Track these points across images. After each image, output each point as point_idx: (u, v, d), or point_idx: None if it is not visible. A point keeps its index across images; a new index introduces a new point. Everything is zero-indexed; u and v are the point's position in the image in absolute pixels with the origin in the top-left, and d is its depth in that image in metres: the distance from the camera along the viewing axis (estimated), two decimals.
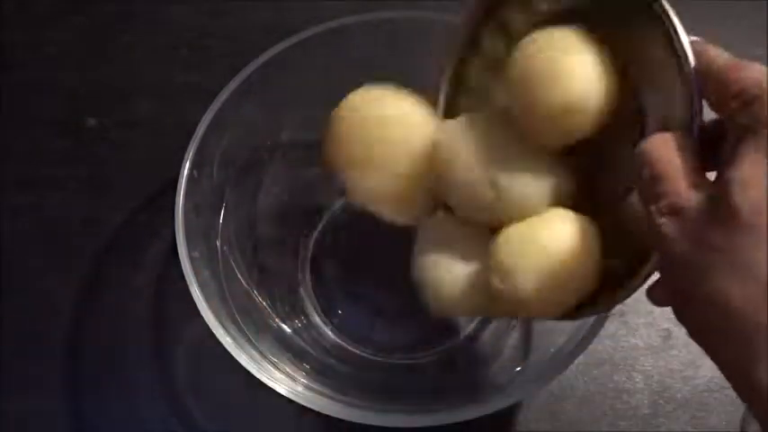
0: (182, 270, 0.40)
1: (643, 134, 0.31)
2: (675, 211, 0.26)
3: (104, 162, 0.54)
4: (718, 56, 0.28)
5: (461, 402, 0.42)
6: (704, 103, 0.28)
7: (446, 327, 0.49)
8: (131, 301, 0.50)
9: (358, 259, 0.51)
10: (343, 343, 0.48)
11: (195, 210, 0.43)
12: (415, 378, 0.47)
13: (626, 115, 0.32)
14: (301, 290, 0.50)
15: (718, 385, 0.48)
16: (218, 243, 0.45)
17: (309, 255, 0.51)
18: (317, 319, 0.49)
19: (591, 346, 0.40)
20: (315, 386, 0.42)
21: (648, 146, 0.28)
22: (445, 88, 0.39)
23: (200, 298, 0.39)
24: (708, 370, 0.48)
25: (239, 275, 0.45)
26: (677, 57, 0.29)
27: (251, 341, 0.42)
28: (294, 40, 0.46)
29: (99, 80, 0.58)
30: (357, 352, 0.47)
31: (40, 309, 0.49)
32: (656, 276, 0.31)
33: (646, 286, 0.32)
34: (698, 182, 0.26)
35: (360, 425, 0.38)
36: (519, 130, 0.34)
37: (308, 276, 0.51)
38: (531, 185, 0.34)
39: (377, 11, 0.47)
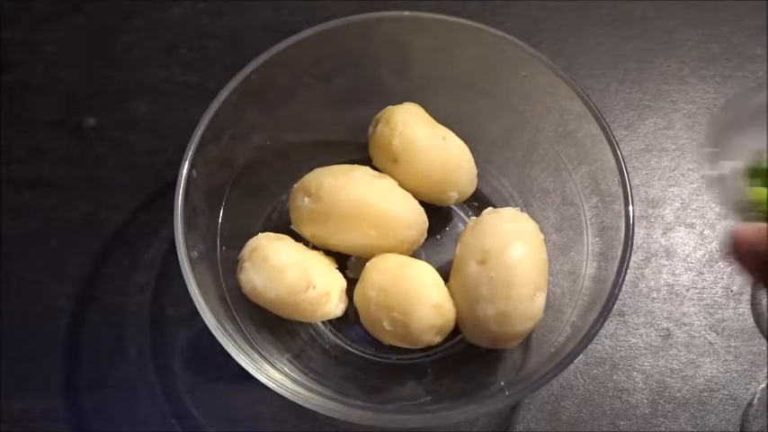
0: (181, 270, 0.40)
1: None
2: None
3: (104, 162, 0.55)
4: None
5: (461, 402, 0.42)
6: None
7: None
8: (131, 301, 0.50)
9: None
10: (342, 343, 0.48)
11: (194, 210, 0.43)
12: (415, 378, 0.47)
13: None
14: None
15: (719, 385, 0.48)
16: (217, 243, 0.45)
17: None
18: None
19: (591, 346, 0.41)
20: (314, 386, 0.42)
21: None
22: None
23: (200, 298, 0.39)
24: (708, 370, 0.48)
25: (238, 276, 0.45)
26: None
27: (250, 341, 0.42)
28: (294, 40, 0.46)
29: (99, 80, 0.58)
30: (357, 352, 0.47)
31: (40, 309, 0.49)
32: None
33: None
34: None
35: (360, 425, 0.38)
36: None
37: None
38: None
39: (377, 11, 0.47)
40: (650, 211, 0.54)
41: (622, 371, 0.48)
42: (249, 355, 0.40)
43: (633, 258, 0.48)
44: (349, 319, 0.47)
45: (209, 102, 0.44)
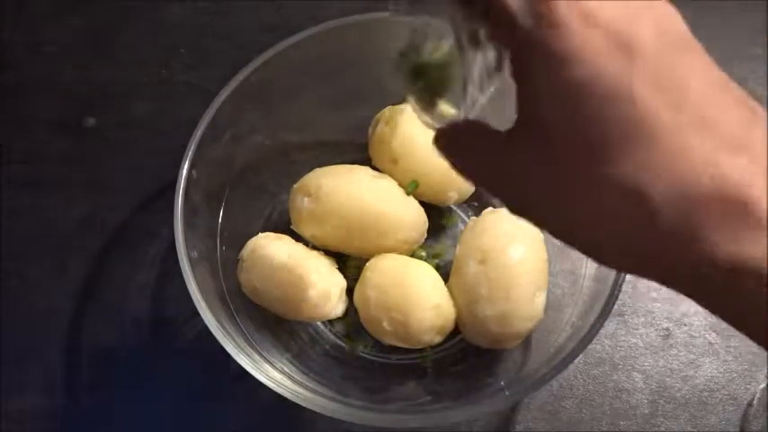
0: (181, 270, 0.40)
1: None
2: None
3: (104, 162, 0.55)
4: None
5: (461, 402, 0.42)
6: None
7: None
8: (131, 301, 0.50)
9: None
10: (342, 343, 0.48)
11: (194, 210, 0.43)
12: (415, 378, 0.47)
13: None
14: None
15: (719, 385, 0.48)
16: (217, 243, 0.45)
17: None
18: None
19: (590, 346, 0.40)
20: (314, 386, 0.42)
21: None
22: None
23: (200, 298, 0.39)
24: (708, 370, 0.48)
25: (238, 275, 0.45)
26: None
27: (250, 341, 0.42)
28: (294, 39, 0.46)
29: (99, 80, 0.58)
30: (357, 352, 0.47)
31: (39, 309, 0.49)
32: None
33: None
34: None
35: (360, 425, 0.38)
36: None
37: None
38: None
39: (377, 11, 0.47)
40: None
41: (622, 371, 0.48)
42: (249, 355, 0.40)
43: None
44: (349, 319, 0.47)
45: (209, 102, 0.44)
